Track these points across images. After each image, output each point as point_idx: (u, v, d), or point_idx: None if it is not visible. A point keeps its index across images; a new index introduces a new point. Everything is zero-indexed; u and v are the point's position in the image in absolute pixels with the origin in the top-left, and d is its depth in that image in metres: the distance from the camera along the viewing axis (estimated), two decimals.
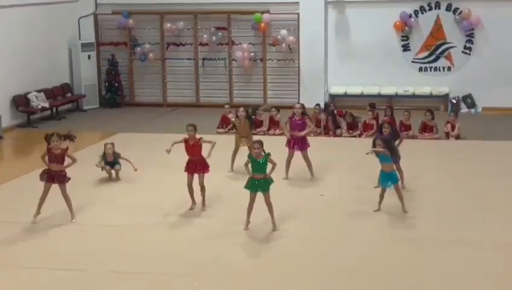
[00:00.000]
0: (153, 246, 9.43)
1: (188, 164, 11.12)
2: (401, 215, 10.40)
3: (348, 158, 14.16)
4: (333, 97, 21.31)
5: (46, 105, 19.93)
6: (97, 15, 22.73)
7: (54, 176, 10.43)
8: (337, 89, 21.61)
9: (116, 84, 22.41)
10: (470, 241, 9.18)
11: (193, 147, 11.12)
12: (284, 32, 21.51)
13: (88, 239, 9.86)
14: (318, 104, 17.98)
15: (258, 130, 17.25)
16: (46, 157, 10.52)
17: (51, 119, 20.14)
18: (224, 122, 17.83)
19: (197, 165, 11.06)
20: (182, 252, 9.23)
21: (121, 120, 19.80)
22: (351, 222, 10.26)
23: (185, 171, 11.09)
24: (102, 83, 22.75)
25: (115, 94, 22.39)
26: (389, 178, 10.47)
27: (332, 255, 8.94)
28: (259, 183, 9.90)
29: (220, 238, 9.69)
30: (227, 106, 18.25)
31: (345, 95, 21.35)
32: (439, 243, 9.21)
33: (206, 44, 22.29)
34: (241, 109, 13.97)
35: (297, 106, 13.39)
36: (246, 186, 10.08)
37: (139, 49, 22.54)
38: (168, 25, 22.26)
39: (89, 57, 22.21)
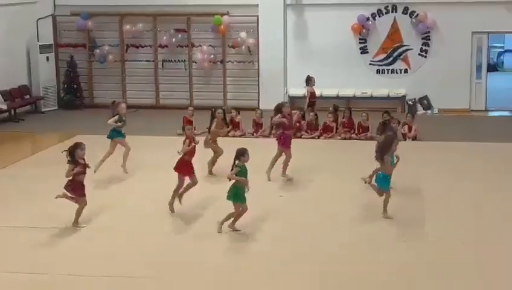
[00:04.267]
0: (115, 249, 9.41)
1: (190, 164, 10.85)
2: (374, 217, 10.42)
3: (316, 159, 14.28)
4: (292, 99, 21.49)
5: (4, 107, 19.76)
6: (56, 16, 22.57)
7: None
8: (296, 91, 21.77)
9: (75, 86, 22.29)
10: (431, 240, 9.35)
11: (195, 147, 11.00)
12: (243, 34, 21.65)
13: (53, 242, 9.77)
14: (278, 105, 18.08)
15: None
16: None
17: (9, 121, 19.96)
18: (187, 124, 17.82)
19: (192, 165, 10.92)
20: (149, 253, 9.20)
21: (80, 122, 19.68)
22: (327, 222, 10.32)
23: (187, 173, 10.81)
24: (60, 85, 22.61)
25: (73, 96, 22.27)
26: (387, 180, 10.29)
27: (299, 256, 9.02)
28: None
29: (192, 239, 9.67)
30: (191, 108, 18.30)
31: (304, 97, 21.48)
32: (401, 243, 9.39)
33: (166, 46, 22.30)
34: (219, 110, 13.84)
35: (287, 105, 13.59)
36: (240, 199, 9.64)
37: (98, 50, 22.45)
38: (128, 26, 22.22)
39: (47, 58, 22.06)
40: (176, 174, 10.75)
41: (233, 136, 17.16)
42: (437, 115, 20.82)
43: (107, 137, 13.56)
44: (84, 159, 10.11)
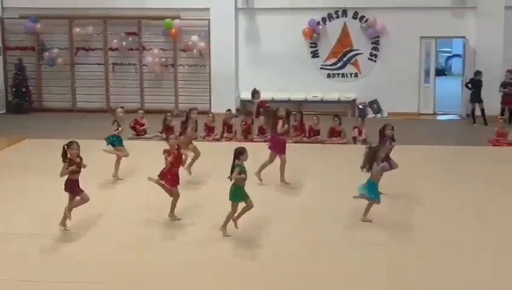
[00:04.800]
0: (69, 255, 9.23)
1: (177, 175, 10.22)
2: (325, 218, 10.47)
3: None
4: (244, 102, 21.55)
5: None
6: (3, 19, 22.25)
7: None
8: (248, 95, 21.78)
9: (23, 90, 22.00)
10: (381, 242, 9.41)
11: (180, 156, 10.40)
12: (195, 38, 21.64)
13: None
14: (229, 110, 18.12)
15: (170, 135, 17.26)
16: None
17: None
18: (136, 128, 17.74)
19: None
20: (104, 259, 9.06)
21: (29, 126, 19.39)
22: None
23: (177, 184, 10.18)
24: (8, 88, 22.27)
25: (22, 99, 21.97)
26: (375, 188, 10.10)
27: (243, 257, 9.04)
28: None
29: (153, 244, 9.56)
30: (141, 111, 18.20)
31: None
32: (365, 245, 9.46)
33: (117, 49, 22.16)
34: (194, 110, 13.07)
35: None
36: (242, 198, 9.36)
37: (47, 54, 22.20)
38: (77, 29, 22.02)
39: None
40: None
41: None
42: (386, 119, 21.05)
43: (108, 144, 13.24)
44: (80, 157, 9.85)
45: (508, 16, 20.74)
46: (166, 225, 9.98)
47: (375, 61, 21.71)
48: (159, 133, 17.37)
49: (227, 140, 17.21)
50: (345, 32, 21.74)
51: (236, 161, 9.42)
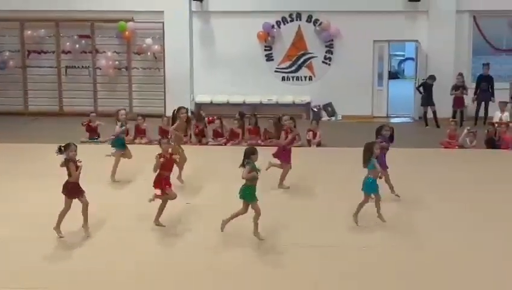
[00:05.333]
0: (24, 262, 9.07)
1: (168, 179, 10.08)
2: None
3: (224, 166, 14.27)
4: (199, 106, 21.49)
5: None
6: None
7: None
8: (203, 98, 21.82)
9: None
10: (331, 245, 9.48)
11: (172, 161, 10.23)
12: (149, 40, 21.51)
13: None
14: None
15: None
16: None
17: None
18: (89, 131, 17.56)
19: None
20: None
21: None
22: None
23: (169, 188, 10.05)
24: None
25: None
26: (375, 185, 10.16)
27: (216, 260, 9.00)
28: None
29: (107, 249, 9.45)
30: (93, 114, 18.02)
31: (211, 104, 21.59)
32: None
33: (69, 52, 21.93)
34: (183, 109, 12.71)
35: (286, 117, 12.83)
36: (253, 198, 9.44)
37: None
38: (29, 32, 21.71)
39: None
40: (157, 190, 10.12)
41: (139, 144, 16.98)
42: (341, 122, 21.25)
43: (112, 146, 13.32)
44: (77, 159, 9.66)
45: (459, 20, 21.09)
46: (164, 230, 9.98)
47: (329, 64, 21.85)
48: (112, 137, 17.18)
49: (183, 144, 17.08)
50: (299, 36, 21.84)
51: (246, 160, 9.42)
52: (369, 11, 21.11)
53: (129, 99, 21.90)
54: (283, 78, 22.06)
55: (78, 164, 9.60)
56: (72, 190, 9.59)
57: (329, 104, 21.82)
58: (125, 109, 13.39)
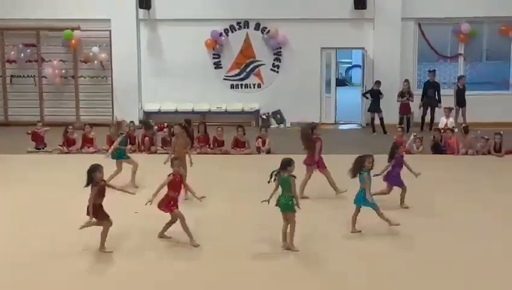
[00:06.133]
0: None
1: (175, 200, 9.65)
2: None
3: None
4: (148, 114, 21.37)
5: None
6: None
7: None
8: (151, 106, 21.71)
9: None
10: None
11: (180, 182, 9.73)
12: (95, 49, 21.32)
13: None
14: (132, 121, 17.88)
15: (71, 148, 16.95)
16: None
17: None
18: (35, 140, 17.28)
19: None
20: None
21: None
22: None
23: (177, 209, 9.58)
24: None
25: None
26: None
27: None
28: None
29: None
30: (40, 124, 17.75)
31: (159, 112, 21.48)
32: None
33: (14, 61, 21.62)
34: (176, 126, 12.72)
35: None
36: (293, 208, 9.25)
37: None
38: None
39: None
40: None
41: (87, 153, 16.79)
42: (289, 129, 21.33)
43: (112, 158, 13.05)
44: (104, 180, 9.38)
45: (404, 27, 21.42)
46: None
47: (277, 72, 21.96)
48: (59, 147, 16.99)
49: (131, 152, 16.98)
50: (247, 44, 21.91)
51: (282, 171, 9.30)
52: (316, 19, 21.27)
53: (76, 108, 21.66)
54: (232, 86, 22.08)
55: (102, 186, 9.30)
56: (98, 213, 9.24)
57: (278, 112, 21.91)
58: (125, 120, 13.31)
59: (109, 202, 9.40)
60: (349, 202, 10.37)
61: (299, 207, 9.32)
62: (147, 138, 17.19)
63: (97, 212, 9.23)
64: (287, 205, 9.28)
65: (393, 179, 11.46)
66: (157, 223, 9.83)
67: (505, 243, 9.67)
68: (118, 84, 21.54)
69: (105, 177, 9.75)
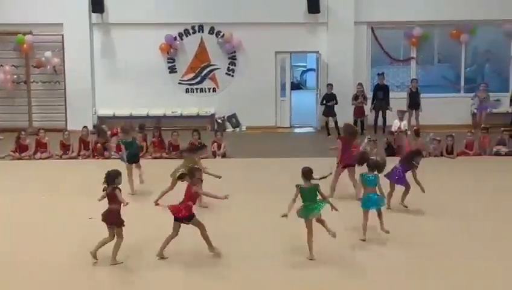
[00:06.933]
0: None
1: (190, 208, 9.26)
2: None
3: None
4: (102, 119, 21.18)
5: None
6: None
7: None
8: (105, 111, 21.53)
9: None
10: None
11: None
12: (48, 54, 21.06)
13: None
14: (86, 126, 17.69)
15: (24, 154, 16.72)
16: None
17: None
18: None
19: None
20: None
21: None
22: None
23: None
24: None
25: None
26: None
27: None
28: None
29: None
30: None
31: (114, 117, 21.30)
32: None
33: None
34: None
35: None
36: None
37: None
38: None
39: None
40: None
41: (40, 159, 16.59)
42: (245, 132, 21.37)
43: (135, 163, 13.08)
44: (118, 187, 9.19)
45: (357, 31, 21.62)
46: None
47: (232, 75, 21.97)
48: (11, 153, 16.75)
49: (84, 157, 16.86)
50: (202, 48, 21.88)
51: (306, 181, 9.24)
52: (270, 23, 21.33)
53: (28, 114, 21.35)
54: (187, 90, 22.02)
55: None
56: (116, 217, 9.03)
57: (234, 116, 21.92)
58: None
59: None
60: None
61: (336, 209, 9.24)
62: (99, 145, 17.02)
63: (115, 219, 9.01)
64: (314, 210, 9.14)
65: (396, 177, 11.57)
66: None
67: (446, 245, 9.83)
68: (71, 89, 21.31)
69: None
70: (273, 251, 9.46)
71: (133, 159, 13.06)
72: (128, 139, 13.22)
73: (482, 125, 18.64)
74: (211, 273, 8.72)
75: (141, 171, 12.96)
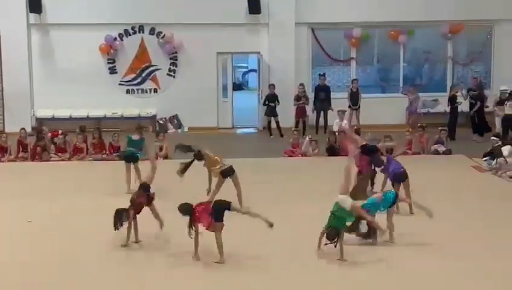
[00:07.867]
0: None
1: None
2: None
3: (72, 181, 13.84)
4: (41, 120, 20.83)
5: None
6: None
7: None
8: (44, 112, 21.19)
9: None
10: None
11: None
12: None
13: None
14: (24, 128, 17.37)
15: None
16: None
17: None
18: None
19: None
20: None
21: None
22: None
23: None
24: None
25: None
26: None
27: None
28: None
29: None
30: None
31: (53, 118, 20.99)
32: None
33: None
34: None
35: None
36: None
37: None
38: None
39: None
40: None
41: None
42: (187, 134, 21.28)
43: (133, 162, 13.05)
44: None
45: (298, 32, 21.75)
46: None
47: (174, 76, 21.87)
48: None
49: (23, 160, 16.56)
50: (142, 48, 21.72)
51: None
52: (211, 24, 21.31)
53: None
54: (127, 91, 21.84)
55: None
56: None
57: (175, 117, 21.83)
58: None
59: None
60: None
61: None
62: (38, 147, 16.73)
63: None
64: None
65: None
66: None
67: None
68: (8, 91, 20.94)
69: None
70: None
71: (128, 158, 13.03)
72: (134, 137, 13.24)
73: (419, 124, 18.83)
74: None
75: (138, 174, 12.83)
